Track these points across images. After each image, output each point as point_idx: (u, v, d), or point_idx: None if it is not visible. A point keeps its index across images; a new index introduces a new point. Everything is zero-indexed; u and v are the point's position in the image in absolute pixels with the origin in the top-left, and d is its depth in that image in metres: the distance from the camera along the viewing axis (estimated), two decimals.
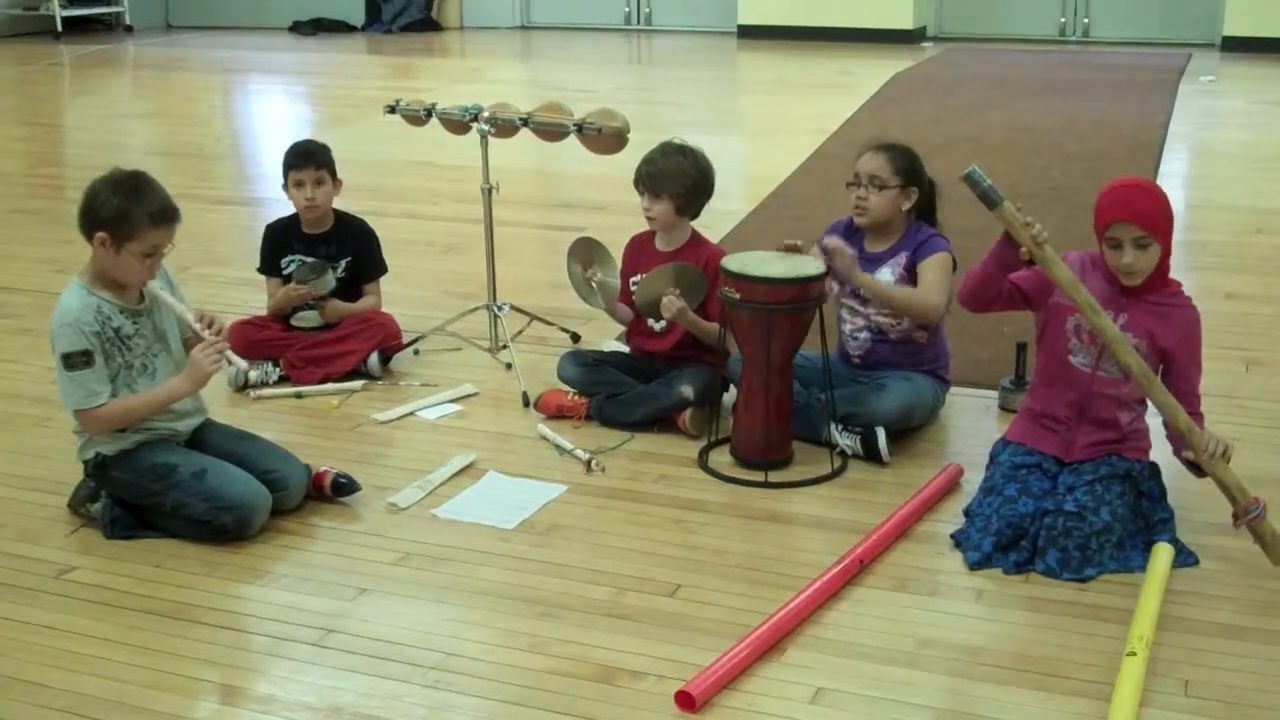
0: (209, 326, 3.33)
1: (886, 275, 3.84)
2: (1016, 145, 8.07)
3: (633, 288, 4.09)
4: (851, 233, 3.95)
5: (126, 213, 3.21)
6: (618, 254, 4.20)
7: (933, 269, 3.80)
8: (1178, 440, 3.22)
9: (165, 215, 3.26)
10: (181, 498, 3.28)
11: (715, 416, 3.88)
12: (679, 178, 3.99)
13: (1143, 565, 3.08)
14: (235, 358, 3.41)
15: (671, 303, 3.85)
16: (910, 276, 3.83)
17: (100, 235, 3.23)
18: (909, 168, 3.85)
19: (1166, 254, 3.20)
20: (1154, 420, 3.35)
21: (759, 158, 8.36)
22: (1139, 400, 3.29)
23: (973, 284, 3.35)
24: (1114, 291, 3.24)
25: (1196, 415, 3.22)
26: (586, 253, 4.11)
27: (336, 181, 4.49)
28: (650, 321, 4.06)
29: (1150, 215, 3.14)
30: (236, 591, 3.10)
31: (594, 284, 4.08)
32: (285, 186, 4.48)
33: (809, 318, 3.65)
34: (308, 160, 4.43)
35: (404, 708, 2.63)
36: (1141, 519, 3.23)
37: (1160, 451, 3.38)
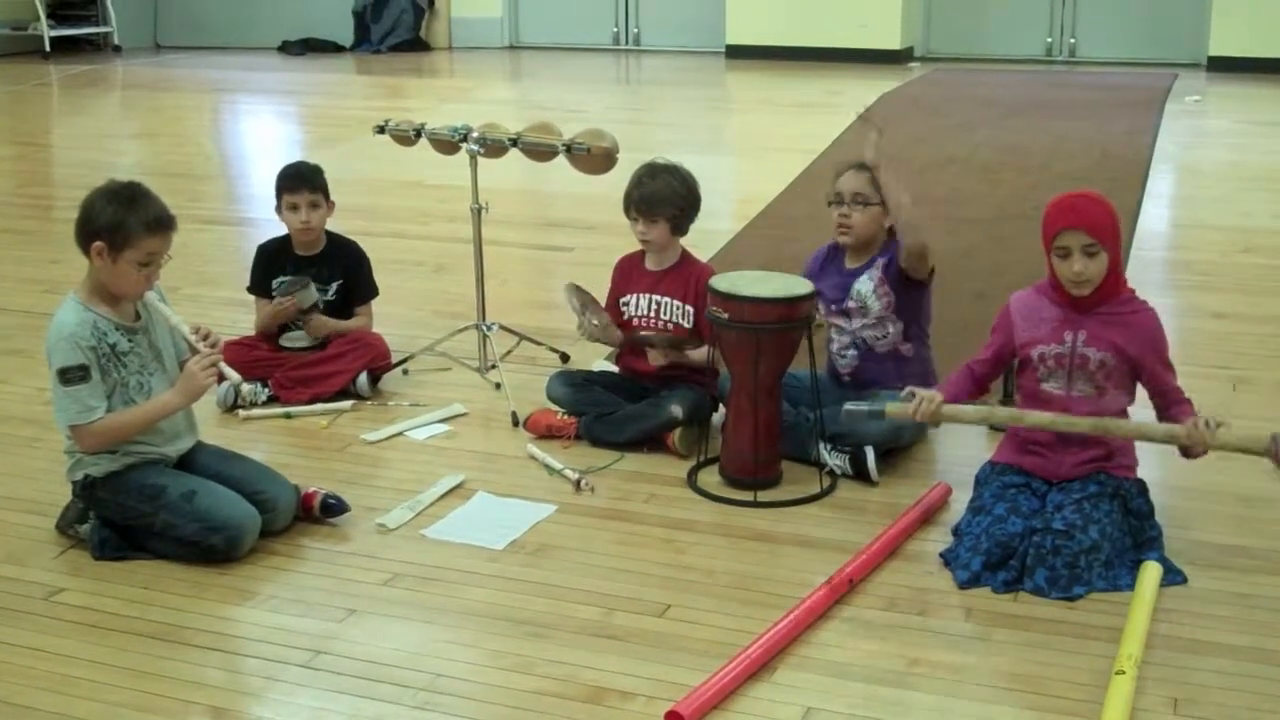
0: (204, 339, 3.34)
1: (866, 283, 3.86)
2: (1003, 165, 8.09)
3: (621, 307, 4.11)
4: (833, 255, 3.98)
5: (122, 221, 3.22)
6: (607, 273, 4.21)
7: None
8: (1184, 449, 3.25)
9: (161, 223, 3.27)
10: (170, 519, 3.27)
11: (704, 436, 3.89)
12: (672, 199, 4.01)
13: (1131, 584, 3.09)
14: (229, 371, 3.41)
15: (656, 358, 3.95)
16: (888, 279, 3.84)
17: (97, 245, 3.23)
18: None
19: (1115, 263, 3.27)
20: None
21: (748, 177, 8.38)
22: (1118, 412, 3.31)
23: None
24: (1068, 312, 3.31)
25: (1186, 403, 3.25)
26: (579, 297, 4.09)
27: (329, 203, 4.50)
28: None
29: (1098, 223, 3.22)
30: (226, 613, 3.09)
31: (587, 323, 4.05)
32: (278, 208, 4.48)
33: (797, 337, 3.66)
34: (302, 183, 4.43)
35: None
36: (1130, 537, 3.24)
37: (1147, 469, 3.40)
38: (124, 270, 3.26)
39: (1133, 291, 3.33)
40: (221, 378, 3.41)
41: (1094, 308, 3.28)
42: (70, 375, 3.23)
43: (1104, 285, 3.25)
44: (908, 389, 3.38)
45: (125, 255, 3.24)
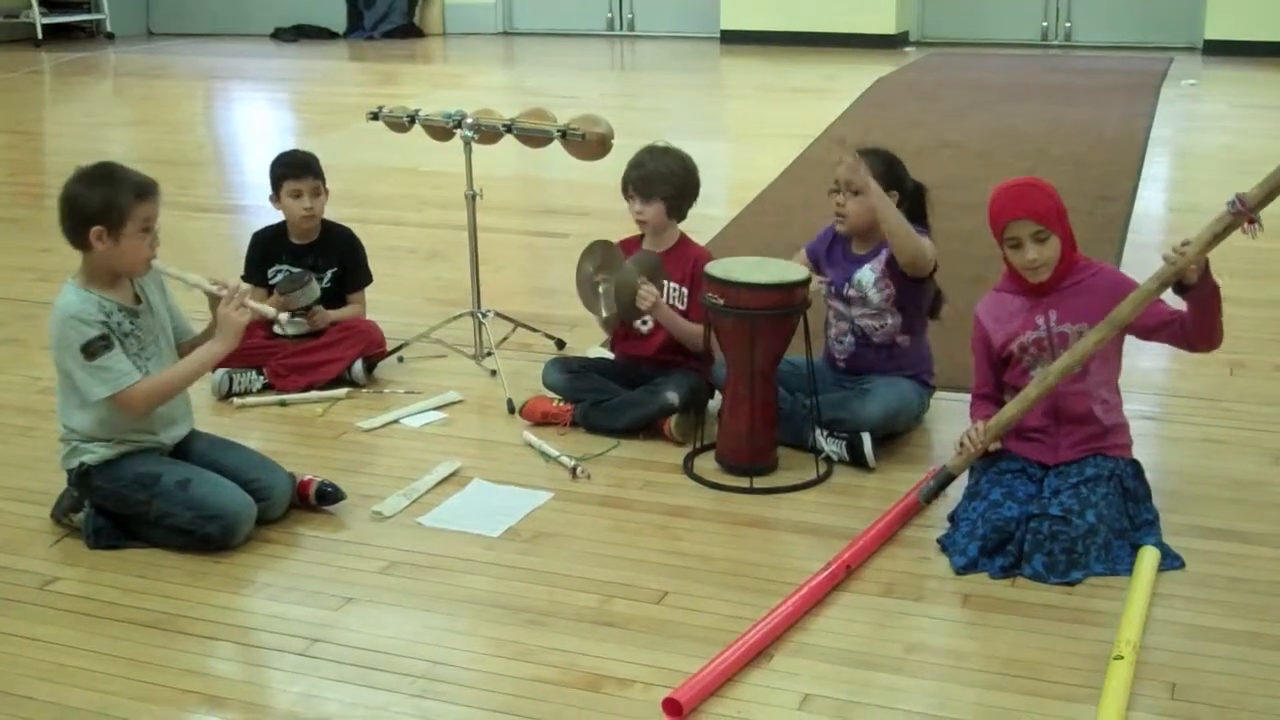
0: (224, 287, 3.34)
1: (868, 274, 3.84)
2: (999, 150, 8.09)
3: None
4: (836, 240, 3.96)
5: (111, 198, 3.21)
6: None
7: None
8: (1184, 319, 3.24)
9: (146, 188, 3.28)
10: (166, 507, 3.26)
11: (700, 422, 3.88)
12: (669, 178, 4.00)
13: (1129, 568, 3.09)
14: (260, 306, 3.40)
15: (648, 291, 3.87)
16: (890, 272, 3.82)
17: (95, 230, 3.22)
18: (885, 171, 3.82)
19: (1067, 243, 3.29)
20: (1135, 422, 3.36)
21: (742, 163, 8.37)
22: (1104, 384, 3.33)
23: None
24: (1033, 298, 3.33)
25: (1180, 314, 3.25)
26: (604, 256, 4.05)
27: (325, 190, 4.49)
28: (637, 323, 4.06)
29: (1043, 209, 3.26)
30: (222, 601, 3.08)
31: (600, 290, 4.02)
32: (275, 196, 4.46)
33: (793, 323, 3.65)
34: (305, 171, 4.42)
35: (391, 717, 2.62)
36: (1127, 518, 3.23)
37: (1144, 454, 3.40)
38: (128, 244, 3.25)
39: (1086, 258, 3.36)
40: (254, 313, 3.37)
41: (1055, 287, 3.31)
42: (94, 347, 3.21)
43: (1060, 265, 3.29)
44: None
45: (125, 230, 3.23)
